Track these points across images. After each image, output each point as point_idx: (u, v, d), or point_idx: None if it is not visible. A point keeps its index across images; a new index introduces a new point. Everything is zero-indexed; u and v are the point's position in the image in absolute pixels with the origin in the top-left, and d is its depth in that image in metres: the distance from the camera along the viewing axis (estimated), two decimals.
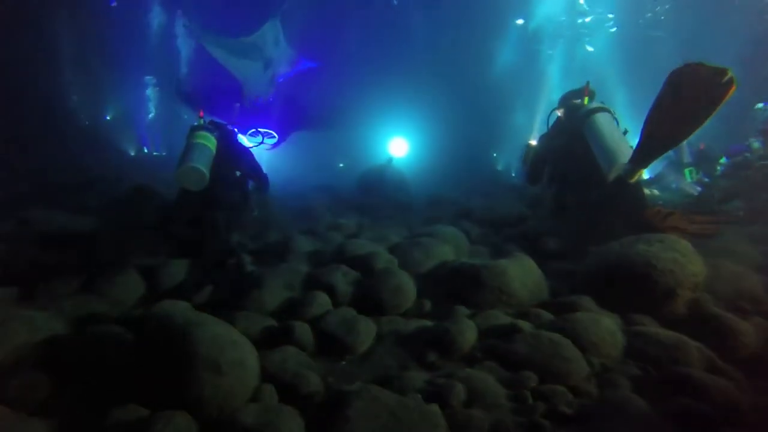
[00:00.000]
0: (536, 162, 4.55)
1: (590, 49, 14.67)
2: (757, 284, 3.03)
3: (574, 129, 3.99)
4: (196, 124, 4.21)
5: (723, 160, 6.58)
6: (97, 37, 13.39)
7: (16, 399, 1.55)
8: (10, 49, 10.68)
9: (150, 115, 14.90)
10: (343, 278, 2.99)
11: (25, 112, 10.34)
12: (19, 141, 9.05)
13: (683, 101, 3.05)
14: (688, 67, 3.06)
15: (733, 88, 2.94)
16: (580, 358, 2.25)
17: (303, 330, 2.38)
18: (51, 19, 11.95)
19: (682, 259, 2.81)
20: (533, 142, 4.76)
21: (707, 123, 3.09)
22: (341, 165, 13.31)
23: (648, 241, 2.96)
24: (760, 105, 6.51)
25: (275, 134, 6.15)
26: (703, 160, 7.02)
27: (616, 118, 3.93)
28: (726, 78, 2.92)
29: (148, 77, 15.44)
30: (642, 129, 3.34)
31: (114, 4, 14.95)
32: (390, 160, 8.32)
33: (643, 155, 3.39)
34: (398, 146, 12.87)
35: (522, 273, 3.00)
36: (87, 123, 12.91)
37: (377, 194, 6.64)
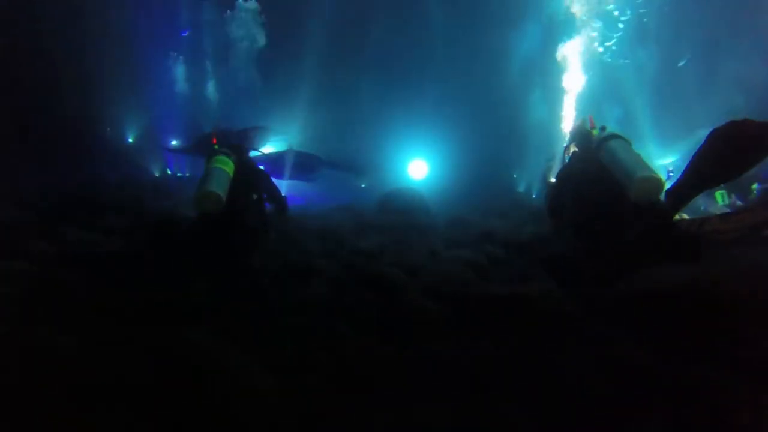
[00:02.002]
0: (555, 195, 4.56)
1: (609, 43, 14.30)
2: None
3: (590, 157, 4.02)
4: (215, 148, 4.36)
5: (755, 187, 6.37)
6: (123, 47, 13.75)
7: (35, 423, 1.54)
8: (38, 63, 11.05)
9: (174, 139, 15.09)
10: (366, 304, 2.95)
11: (50, 125, 10.62)
12: (45, 156, 9.32)
13: (729, 154, 3.18)
14: (734, 124, 3.18)
15: None
16: (614, 394, 2.14)
17: (322, 360, 2.33)
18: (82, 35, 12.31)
19: (720, 286, 2.69)
20: (554, 180, 4.81)
21: None
22: (363, 185, 13.37)
23: (680, 267, 2.86)
24: None
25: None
26: (734, 183, 6.79)
27: (629, 143, 3.97)
28: None
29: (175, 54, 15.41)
30: (684, 174, 3.43)
31: (185, 34, 15.38)
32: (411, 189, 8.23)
33: (681, 194, 3.45)
34: (418, 168, 12.91)
35: (549, 301, 2.92)
36: (113, 141, 13.23)
37: (398, 216, 6.62)
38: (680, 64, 13.54)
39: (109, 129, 12.93)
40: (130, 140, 15.37)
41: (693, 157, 3.34)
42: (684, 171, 3.42)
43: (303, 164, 10.26)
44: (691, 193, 3.45)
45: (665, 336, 2.55)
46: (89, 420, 1.68)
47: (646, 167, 3.58)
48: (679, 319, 2.61)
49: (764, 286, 2.92)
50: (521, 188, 12.91)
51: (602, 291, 3.26)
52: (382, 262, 3.98)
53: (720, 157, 3.19)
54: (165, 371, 1.88)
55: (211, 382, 1.73)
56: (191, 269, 3.62)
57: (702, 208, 7.20)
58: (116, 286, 3.12)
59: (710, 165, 3.25)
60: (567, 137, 4.65)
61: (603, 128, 4.17)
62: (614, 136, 3.94)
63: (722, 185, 6.82)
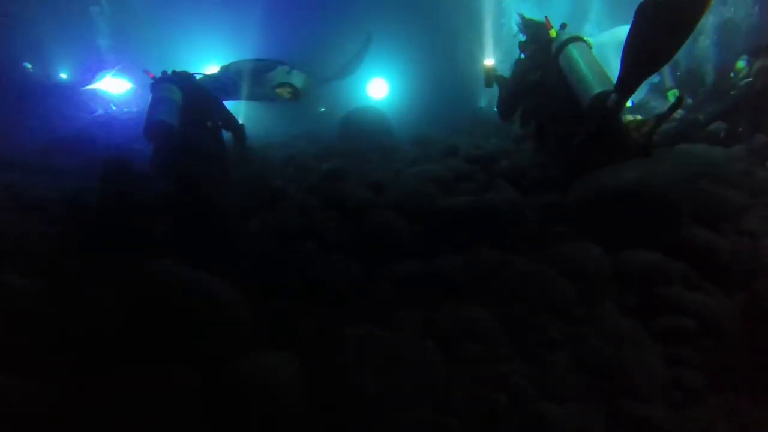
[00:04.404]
0: (508, 97, 4.45)
1: None
2: (733, 202, 3.13)
3: (549, 63, 3.89)
4: (159, 77, 4.18)
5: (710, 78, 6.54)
6: None
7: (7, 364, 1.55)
8: None
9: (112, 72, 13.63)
10: (333, 225, 2.99)
11: None
12: None
13: (662, 26, 2.98)
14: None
15: (710, 4, 2.88)
16: (568, 287, 2.32)
17: (294, 282, 2.39)
18: None
19: (663, 182, 2.85)
20: (489, 63, 4.62)
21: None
22: (322, 109, 12.93)
23: (629, 167, 2.98)
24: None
25: None
26: (687, 82, 6.95)
27: (590, 46, 3.84)
28: None
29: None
30: (622, 60, 3.28)
31: None
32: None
33: (627, 83, 3.35)
34: (378, 87, 12.51)
35: (511, 209, 3.04)
36: (43, 80, 11.92)
37: (360, 138, 6.52)
38: None
39: (29, 64, 11.52)
40: (63, 76, 14.03)
41: (625, 43, 3.23)
42: (621, 60, 3.34)
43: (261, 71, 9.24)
44: (635, 80, 3.34)
45: (615, 233, 2.73)
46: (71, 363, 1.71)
47: (607, 81, 3.51)
48: (627, 217, 2.79)
49: (700, 184, 3.14)
50: (483, 103, 12.80)
51: (560, 196, 3.40)
52: (346, 182, 3.98)
53: (654, 29, 2.97)
54: (137, 313, 1.88)
55: (183, 312, 1.76)
56: (150, 204, 3.53)
57: (657, 111, 7.38)
58: (74, 228, 3.02)
59: (640, 47, 3.12)
60: (519, 33, 4.41)
61: (563, 26, 3.97)
62: (574, 39, 3.82)
63: (674, 85, 6.97)
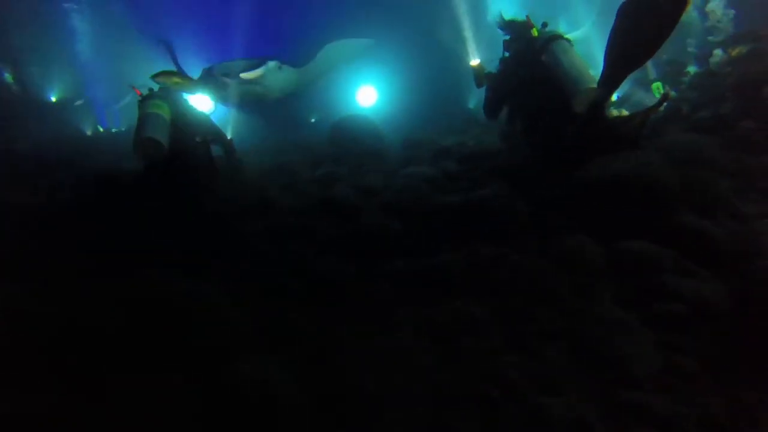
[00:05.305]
0: (494, 96, 4.49)
1: None
2: (722, 189, 3.16)
3: (533, 61, 3.95)
4: (146, 94, 4.16)
5: (692, 69, 6.63)
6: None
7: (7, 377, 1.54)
8: None
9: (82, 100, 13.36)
10: (326, 228, 3.00)
11: None
12: None
13: (643, 26, 3.06)
14: None
15: (689, 3, 2.97)
16: (562, 279, 2.33)
17: (293, 282, 2.40)
18: None
19: (653, 172, 2.88)
20: (476, 62, 4.67)
21: None
22: (313, 120, 12.98)
23: (618, 159, 3.02)
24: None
25: None
26: (669, 73, 7.04)
27: (571, 44, 3.90)
28: None
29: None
30: (605, 55, 3.34)
31: None
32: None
33: (611, 79, 3.41)
34: (366, 95, 12.57)
35: (503, 202, 3.06)
36: (34, 103, 11.86)
37: (351, 144, 6.53)
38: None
39: (14, 85, 11.42)
40: (53, 99, 14.00)
41: (608, 41, 3.29)
42: (604, 57, 3.38)
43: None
44: (617, 76, 3.41)
45: (608, 224, 2.75)
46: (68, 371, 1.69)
47: (590, 78, 3.57)
48: (619, 207, 2.81)
49: (689, 171, 3.18)
50: (472, 104, 12.87)
51: (551, 190, 3.43)
52: (340, 186, 3.99)
53: (634, 29, 3.07)
54: (137, 314, 1.88)
55: (182, 313, 1.76)
56: (146, 217, 3.53)
57: (641, 103, 7.46)
58: (72, 241, 3.01)
59: (623, 45, 3.18)
60: (502, 31, 4.46)
61: (545, 24, 4.05)
62: (556, 38, 3.88)
63: (657, 77, 7.05)
